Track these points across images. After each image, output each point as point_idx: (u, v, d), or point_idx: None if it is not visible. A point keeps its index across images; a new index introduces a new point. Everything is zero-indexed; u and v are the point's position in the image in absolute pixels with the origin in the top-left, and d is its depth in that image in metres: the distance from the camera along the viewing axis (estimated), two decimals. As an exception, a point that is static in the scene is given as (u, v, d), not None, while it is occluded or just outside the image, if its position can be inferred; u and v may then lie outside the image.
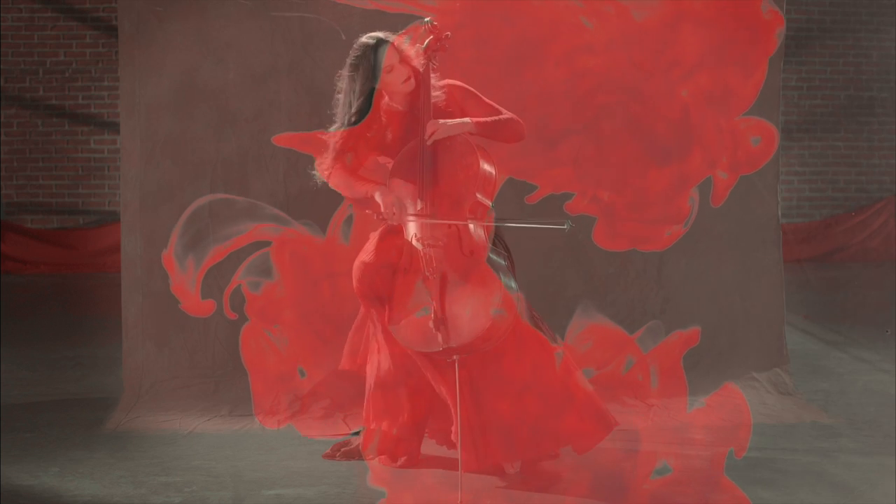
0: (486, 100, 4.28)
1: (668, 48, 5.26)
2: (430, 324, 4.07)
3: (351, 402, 4.89)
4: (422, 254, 4.11)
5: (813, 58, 11.11)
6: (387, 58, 4.17)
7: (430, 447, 4.36)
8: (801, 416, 5.03)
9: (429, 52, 4.19)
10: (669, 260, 5.35)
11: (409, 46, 4.23)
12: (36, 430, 4.88)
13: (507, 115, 4.24)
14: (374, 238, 4.27)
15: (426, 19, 4.25)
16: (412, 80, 4.21)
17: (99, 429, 4.90)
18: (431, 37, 4.20)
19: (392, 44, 4.19)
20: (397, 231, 4.21)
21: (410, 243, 4.15)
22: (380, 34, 4.23)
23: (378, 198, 4.13)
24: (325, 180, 4.27)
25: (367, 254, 4.24)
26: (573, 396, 4.21)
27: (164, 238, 5.18)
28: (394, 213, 4.11)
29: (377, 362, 4.33)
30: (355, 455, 4.40)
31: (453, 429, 4.21)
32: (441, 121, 4.16)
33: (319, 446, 4.63)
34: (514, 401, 4.19)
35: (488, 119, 4.21)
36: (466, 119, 4.19)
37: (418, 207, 4.13)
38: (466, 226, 4.12)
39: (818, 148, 11.33)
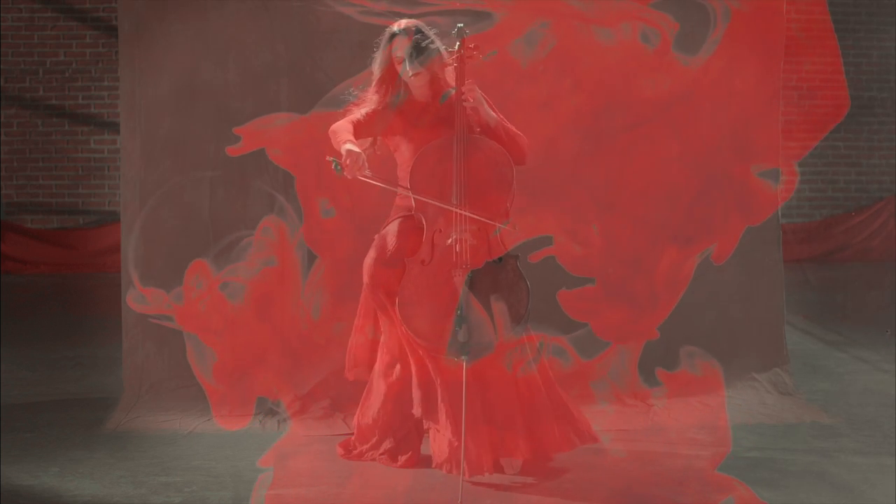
0: (498, 112, 4.32)
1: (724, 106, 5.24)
2: (454, 321, 4.09)
3: (351, 402, 4.88)
4: (454, 248, 4.12)
5: (813, 58, 11.11)
6: (399, 49, 4.23)
7: (430, 447, 4.35)
8: (801, 416, 5.03)
9: (459, 58, 4.21)
10: (669, 260, 5.35)
11: (432, 43, 4.24)
12: (36, 430, 4.88)
13: (517, 132, 4.30)
14: (387, 235, 4.27)
15: (458, 25, 4.26)
16: (422, 75, 4.23)
17: (99, 429, 4.90)
18: (459, 43, 4.21)
19: (408, 37, 4.22)
20: (415, 227, 4.22)
21: (433, 238, 4.16)
22: (403, 25, 4.27)
23: (345, 148, 4.06)
24: (330, 131, 4.25)
25: (379, 251, 4.24)
26: (562, 400, 4.26)
27: (164, 238, 5.18)
28: (350, 165, 4.01)
29: (391, 368, 4.33)
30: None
31: (433, 430, 4.22)
32: (479, 91, 4.20)
33: (320, 446, 4.63)
34: (513, 401, 4.20)
35: (508, 126, 4.27)
36: (493, 114, 4.23)
37: (453, 200, 4.14)
38: (494, 229, 4.17)
39: (818, 148, 11.33)
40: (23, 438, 4.75)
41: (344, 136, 4.11)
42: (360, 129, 4.20)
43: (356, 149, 4.04)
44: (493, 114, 4.25)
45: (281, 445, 4.63)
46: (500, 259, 4.19)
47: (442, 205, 4.13)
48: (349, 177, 4.04)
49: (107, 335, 6.51)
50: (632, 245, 5.21)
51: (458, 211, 4.13)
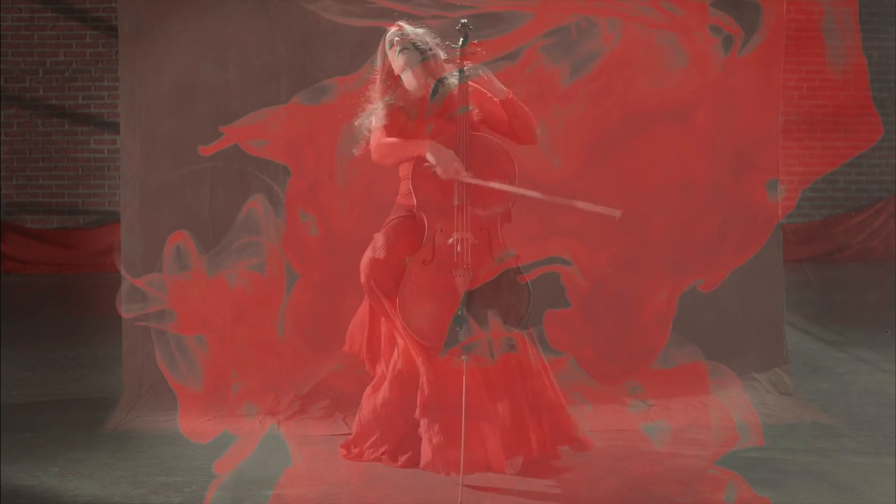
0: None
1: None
2: (454, 321, 4.08)
3: (351, 402, 4.88)
4: (455, 248, 4.11)
5: (813, 58, 11.10)
6: (389, 35, 4.26)
7: (430, 447, 4.35)
8: (801, 416, 5.03)
9: (463, 55, 4.18)
10: (669, 260, 5.35)
11: (427, 40, 4.23)
12: (36, 430, 4.88)
13: (525, 107, 4.25)
14: (386, 234, 4.25)
15: (462, 21, 4.24)
16: (416, 71, 4.21)
17: (99, 429, 4.90)
18: (462, 38, 4.19)
19: (403, 35, 4.23)
20: (415, 227, 4.21)
21: (434, 237, 4.15)
22: (400, 24, 4.29)
23: (430, 153, 4.09)
24: (374, 151, 4.24)
25: (376, 250, 4.22)
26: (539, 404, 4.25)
27: (164, 238, 5.17)
28: (447, 163, 4.06)
29: (395, 368, 4.33)
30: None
31: (427, 431, 4.22)
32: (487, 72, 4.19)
33: (320, 446, 4.63)
34: (512, 401, 4.20)
35: (522, 106, 4.22)
36: (504, 87, 4.21)
37: (454, 202, 4.13)
38: (497, 231, 4.16)
39: (818, 148, 11.32)
40: (23, 438, 4.75)
41: (408, 143, 4.14)
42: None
43: (441, 146, 4.07)
44: (504, 87, 4.22)
45: (238, 449, 4.58)
46: (501, 259, 4.18)
47: (560, 199, 4.09)
48: (445, 178, 4.08)
49: (107, 335, 6.50)
50: (629, 279, 5.21)
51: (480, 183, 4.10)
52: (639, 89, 5.12)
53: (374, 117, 4.26)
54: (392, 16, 4.56)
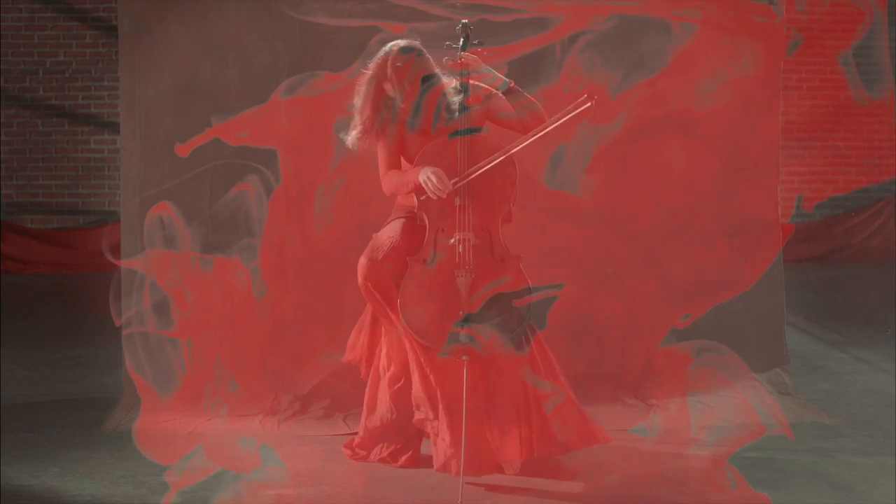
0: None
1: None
2: (456, 322, 4.07)
3: (351, 402, 4.88)
4: (457, 248, 4.11)
5: (813, 58, 11.10)
6: (394, 57, 4.18)
7: (430, 447, 4.35)
8: (801, 416, 5.03)
9: (464, 56, 4.14)
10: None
11: (419, 55, 4.19)
12: (36, 430, 4.88)
13: (531, 98, 4.22)
14: (384, 235, 4.24)
15: (462, 21, 4.21)
16: (394, 92, 4.18)
17: (99, 429, 4.90)
18: (463, 39, 4.17)
19: (390, 55, 4.18)
20: (415, 228, 4.20)
21: (435, 237, 4.14)
22: (397, 44, 4.22)
23: (423, 177, 4.07)
24: (383, 185, 4.25)
25: (375, 251, 4.21)
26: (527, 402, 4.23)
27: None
28: (440, 188, 4.03)
29: (389, 367, 4.33)
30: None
31: (432, 430, 4.21)
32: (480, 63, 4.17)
33: (319, 446, 4.63)
34: (513, 401, 4.20)
35: (526, 95, 4.19)
36: (500, 75, 4.19)
37: (456, 203, 4.12)
38: (498, 231, 4.15)
39: (818, 148, 11.32)
40: (23, 438, 4.75)
41: (407, 173, 4.13)
42: (400, 164, 4.23)
43: (430, 169, 4.05)
44: (504, 77, 4.19)
45: (196, 461, 4.49)
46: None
47: None
48: (444, 196, 4.05)
49: (107, 335, 6.48)
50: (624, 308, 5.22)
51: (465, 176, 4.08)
52: (692, 100, 5.07)
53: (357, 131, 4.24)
54: (397, 16, 4.55)
